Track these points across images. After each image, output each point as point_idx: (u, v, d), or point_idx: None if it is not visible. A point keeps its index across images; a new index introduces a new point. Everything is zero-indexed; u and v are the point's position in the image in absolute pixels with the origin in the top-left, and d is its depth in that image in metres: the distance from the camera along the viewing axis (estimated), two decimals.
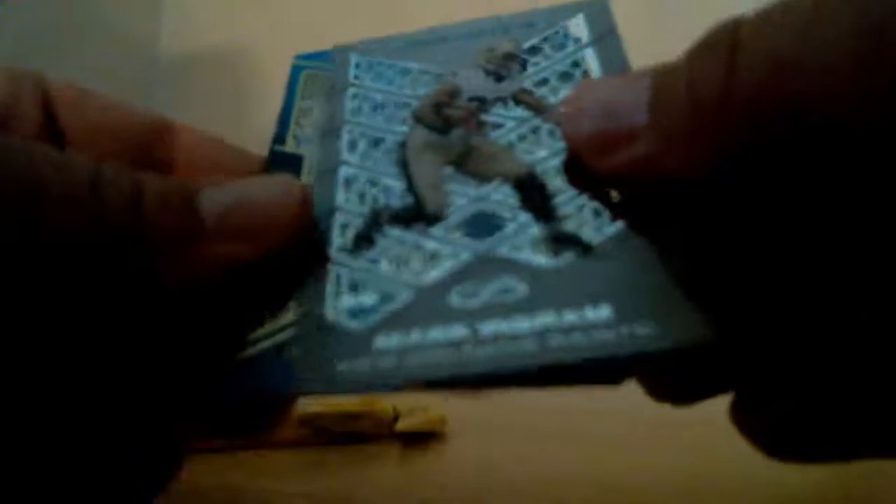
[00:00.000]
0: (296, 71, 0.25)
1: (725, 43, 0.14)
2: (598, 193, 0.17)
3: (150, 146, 0.22)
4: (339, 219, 0.19)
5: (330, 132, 0.21)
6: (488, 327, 0.15)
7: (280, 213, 0.17)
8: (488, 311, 0.16)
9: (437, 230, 0.18)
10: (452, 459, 0.32)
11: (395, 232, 0.18)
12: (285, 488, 0.30)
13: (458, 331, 0.15)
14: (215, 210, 0.16)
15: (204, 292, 0.17)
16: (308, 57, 0.25)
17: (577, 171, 0.18)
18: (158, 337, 0.16)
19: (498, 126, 0.20)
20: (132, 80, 0.45)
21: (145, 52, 0.45)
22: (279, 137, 0.22)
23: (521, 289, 0.16)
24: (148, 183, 0.16)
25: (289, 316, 0.17)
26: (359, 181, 0.19)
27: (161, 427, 0.18)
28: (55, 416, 0.15)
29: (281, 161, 0.22)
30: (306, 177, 0.21)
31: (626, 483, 0.28)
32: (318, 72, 0.24)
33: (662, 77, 0.16)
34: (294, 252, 0.18)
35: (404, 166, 0.19)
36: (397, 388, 0.15)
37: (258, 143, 0.45)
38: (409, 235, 0.18)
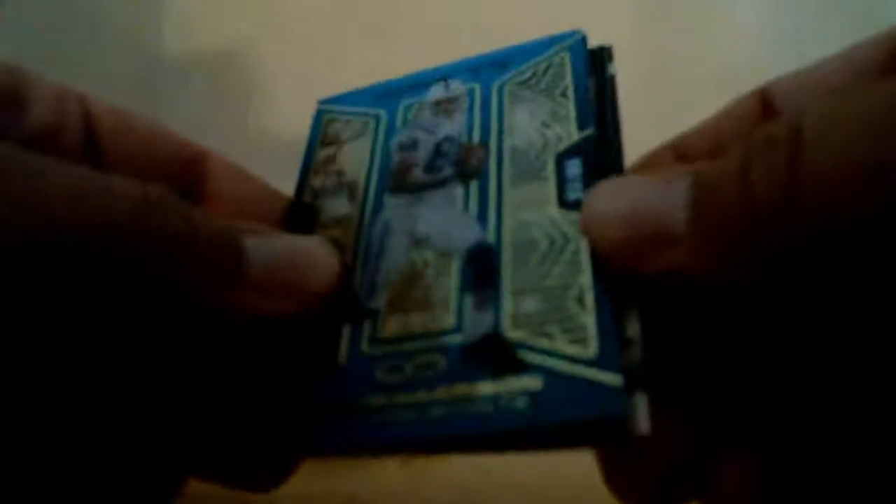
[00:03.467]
0: (318, 116, 0.24)
1: (786, 141, 0.13)
2: (621, 289, 0.16)
3: (184, 173, 0.21)
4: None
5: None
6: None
7: (319, 278, 0.18)
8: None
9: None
10: (453, 459, 0.32)
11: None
12: (287, 489, 0.30)
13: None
14: (261, 261, 0.16)
15: (232, 338, 0.17)
16: (331, 101, 0.25)
17: (602, 267, 0.17)
18: (179, 371, 0.16)
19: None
20: (134, 81, 0.45)
21: (147, 52, 0.45)
22: (300, 188, 0.22)
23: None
24: (197, 219, 0.16)
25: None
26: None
27: (157, 457, 0.17)
28: (69, 423, 0.15)
29: (297, 213, 0.22)
30: (321, 230, 0.21)
31: None
32: (339, 117, 0.24)
33: (706, 177, 0.15)
34: (327, 313, 0.18)
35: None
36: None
37: (259, 143, 0.45)
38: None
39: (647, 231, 0.15)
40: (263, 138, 0.46)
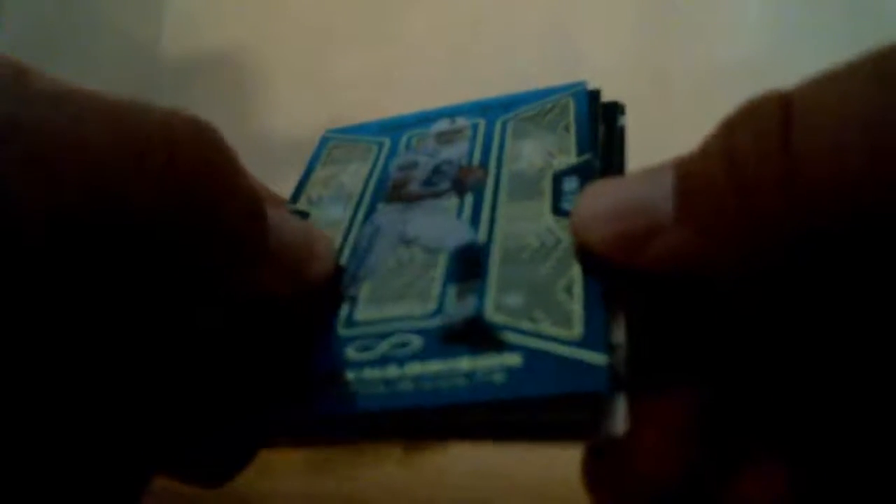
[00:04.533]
0: (323, 142, 0.25)
1: (775, 119, 0.13)
2: (614, 286, 0.16)
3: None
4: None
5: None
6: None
7: (322, 268, 0.17)
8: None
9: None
10: (453, 459, 0.32)
11: None
12: (287, 489, 0.30)
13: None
14: (277, 236, 0.16)
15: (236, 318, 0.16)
16: (338, 131, 0.25)
17: (591, 264, 0.16)
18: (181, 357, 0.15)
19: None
20: (134, 81, 0.45)
21: (147, 52, 0.45)
22: (294, 197, 0.22)
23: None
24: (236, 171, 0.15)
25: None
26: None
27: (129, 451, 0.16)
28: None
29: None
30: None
31: None
32: (343, 143, 0.24)
33: (688, 164, 0.15)
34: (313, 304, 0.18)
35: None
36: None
37: (259, 144, 0.45)
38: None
39: (637, 224, 0.15)
40: (263, 139, 0.46)
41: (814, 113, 0.13)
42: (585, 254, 0.16)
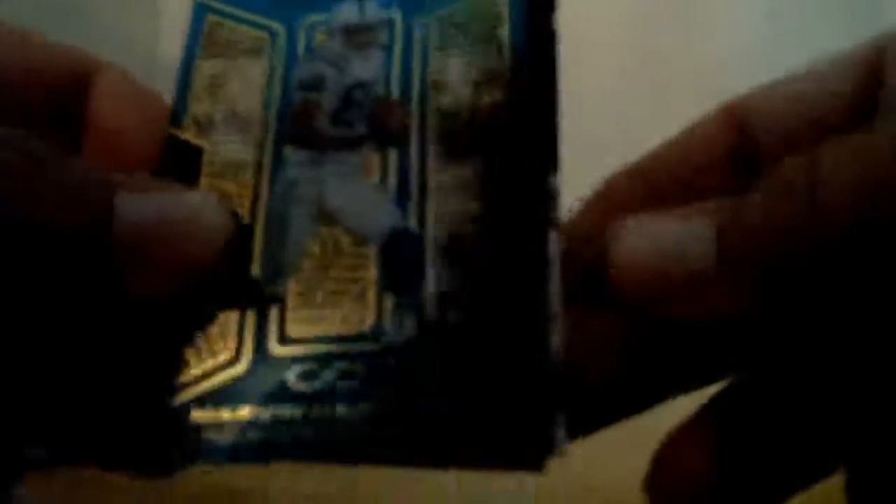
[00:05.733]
0: (198, 12, 0.19)
1: (804, 184, 0.14)
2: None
3: (66, 92, 0.19)
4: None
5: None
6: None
7: (202, 247, 0.15)
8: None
9: None
10: None
11: None
12: (289, 488, 0.30)
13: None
14: (131, 226, 0.14)
15: (90, 323, 0.14)
16: None
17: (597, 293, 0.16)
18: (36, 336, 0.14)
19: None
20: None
21: (145, 53, 0.45)
22: (175, 115, 0.18)
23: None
24: (53, 169, 0.13)
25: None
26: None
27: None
28: None
29: (175, 152, 0.18)
30: (209, 179, 0.17)
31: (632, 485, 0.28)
32: (226, 21, 0.19)
33: (730, 211, 0.15)
34: (215, 292, 0.15)
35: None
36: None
37: None
38: None
39: (676, 273, 0.15)
40: None
41: (839, 180, 0.14)
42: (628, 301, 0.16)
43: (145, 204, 0.14)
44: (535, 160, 0.16)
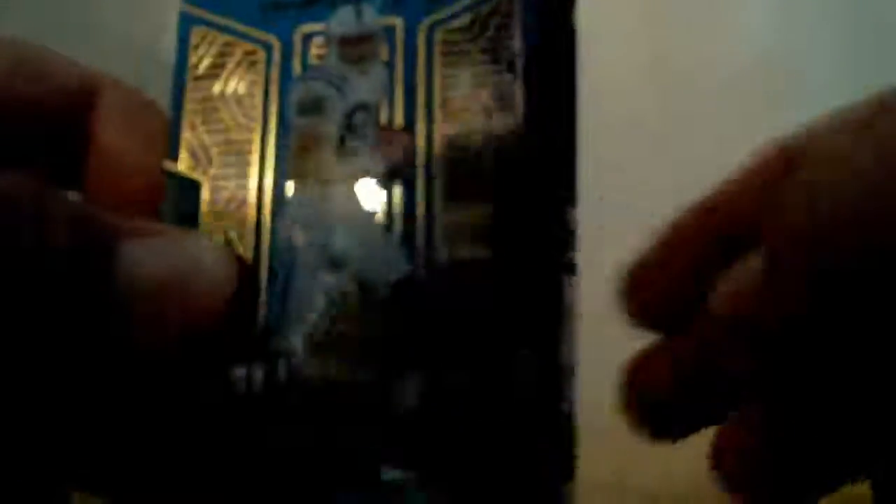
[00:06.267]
0: (184, 24, 0.18)
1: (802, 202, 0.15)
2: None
3: (69, 111, 0.18)
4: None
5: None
6: None
7: (204, 298, 0.14)
8: None
9: None
10: None
11: None
12: None
13: None
14: (132, 279, 0.13)
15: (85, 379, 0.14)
16: (208, 3, 0.18)
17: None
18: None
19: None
20: (134, 83, 0.44)
21: (146, 53, 0.45)
22: (173, 148, 0.17)
23: None
24: (57, 222, 0.13)
25: None
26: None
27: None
28: None
29: (173, 187, 0.17)
30: (208, 218, 0.16)
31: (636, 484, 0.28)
32: (215, 33, 0.18)
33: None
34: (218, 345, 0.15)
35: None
36: None
37: None
38: None
39: None
40: None
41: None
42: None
43: (150, 253, 0.14)
44: (552, 195, 0.15)
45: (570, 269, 0.15)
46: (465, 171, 0.15)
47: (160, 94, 0.19)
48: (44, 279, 0.12)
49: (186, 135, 0.17)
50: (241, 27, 0.17)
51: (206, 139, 0.17)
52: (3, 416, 0.13)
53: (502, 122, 0.15)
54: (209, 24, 0.18)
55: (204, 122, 0.17)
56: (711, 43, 0.39)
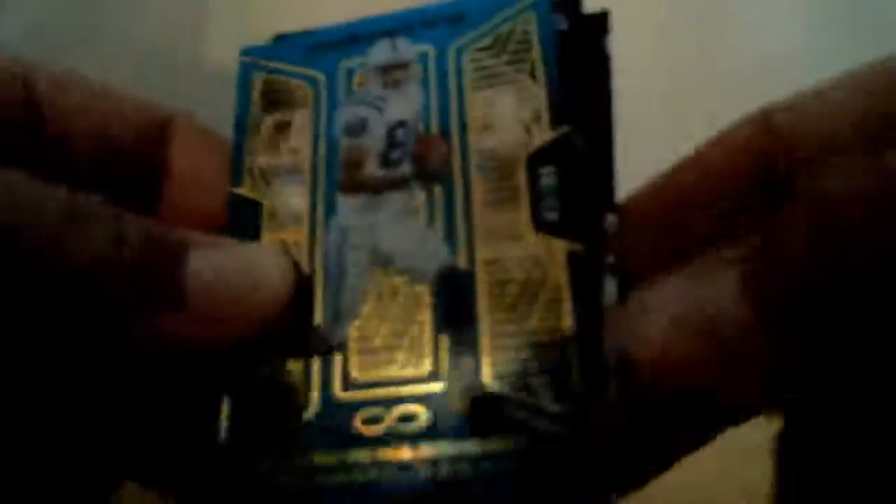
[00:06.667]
0: (245, 71, 0.20)
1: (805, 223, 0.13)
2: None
3: (142, 143, 0.20)
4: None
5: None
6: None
7: (264, 299, 0.16)
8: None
9: None
10: None
11: None
12: None
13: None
14: (203, 281, 0.15)
15: (156, 371, 0.16)
16: (256, 52, 0.20)
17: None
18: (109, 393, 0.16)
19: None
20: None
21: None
22: (235, 173, 0.19)
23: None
24: (131, 233, 0.15)
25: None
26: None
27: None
28: None
29: (236, 208, 0.19)
30: (269, 232, 0.18)
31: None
32: (272, 76, 0.20)
33: (753, 260, 0.14)
34: (279, 342, 0.16)
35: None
36: None
37: None
38: None
39: (709, 352, 0.14)
40: None
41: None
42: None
43: (217, 259, 0.16)
44: (591, 202, 0.16)
45: (611, 269, 0.15)
46: (504, 179, 0.17)
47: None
48: (122, 286, 0.14)
49: (248, 160, 0.19)
50: (292, 68, 0.20)
51: (265, 163, 0.19)
52: (81, 411, 0.16)
53: (540, 136, 0.17)
54: (266, 69, 0.20)
55: (265, 150, 0.19)
56: (711, 42, 0.39)
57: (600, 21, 0.17)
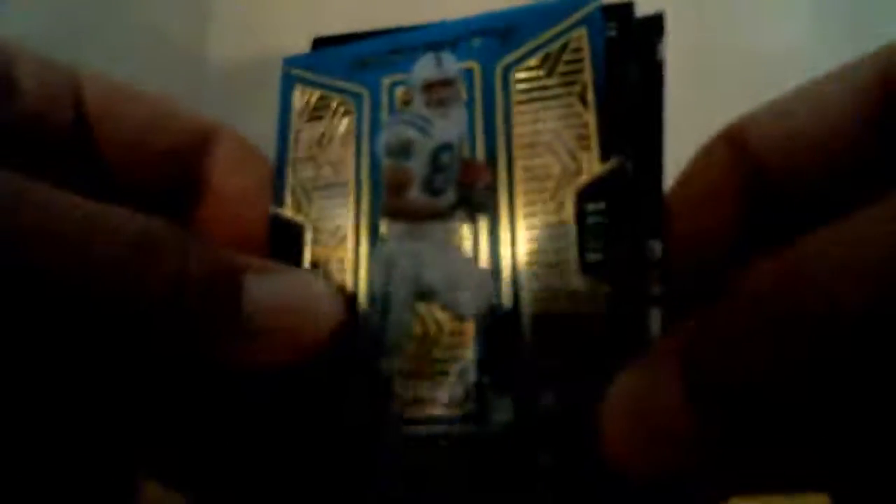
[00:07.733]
0: (287, 82, 0.20)
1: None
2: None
3: (187, 157, 0.20)
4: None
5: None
6: None
7: (320, 326, 0.16)
8: None
9: None
10: None
11: None
12: None
13: None
14: (260, 307, 0.15)
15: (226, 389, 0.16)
16: (299, 63, 0.20)
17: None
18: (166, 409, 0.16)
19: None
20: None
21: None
22: (277, 192, 0.19)
23: None
24: (194, 260, 0.15)
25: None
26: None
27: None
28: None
29: (278, 231, 0.18)
30: (312, 247, 0.18)
31: None
32: (314, 89, 0.20)
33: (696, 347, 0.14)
34: (327, 366, 0.17)
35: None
36: None
37: None
38: None
39: (650, 437, 0.14)
40: None
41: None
42: None
43: (271, 286, 0.16)
44: (636, 237, 0.16)
45: (655, 300, 0.15)
46: (548, 203, 0.16)
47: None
48: (184, 308, 0.14)
49: (291, 177, 0.19)
50: (335, 82, 0.19)
51: (308, 183, 0.19)
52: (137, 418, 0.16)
53: (579, 160, 0.16)
54: (309, 82, 0.19)
55: (309, 164, 0.19)
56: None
57: (655, 24, 0.17)
